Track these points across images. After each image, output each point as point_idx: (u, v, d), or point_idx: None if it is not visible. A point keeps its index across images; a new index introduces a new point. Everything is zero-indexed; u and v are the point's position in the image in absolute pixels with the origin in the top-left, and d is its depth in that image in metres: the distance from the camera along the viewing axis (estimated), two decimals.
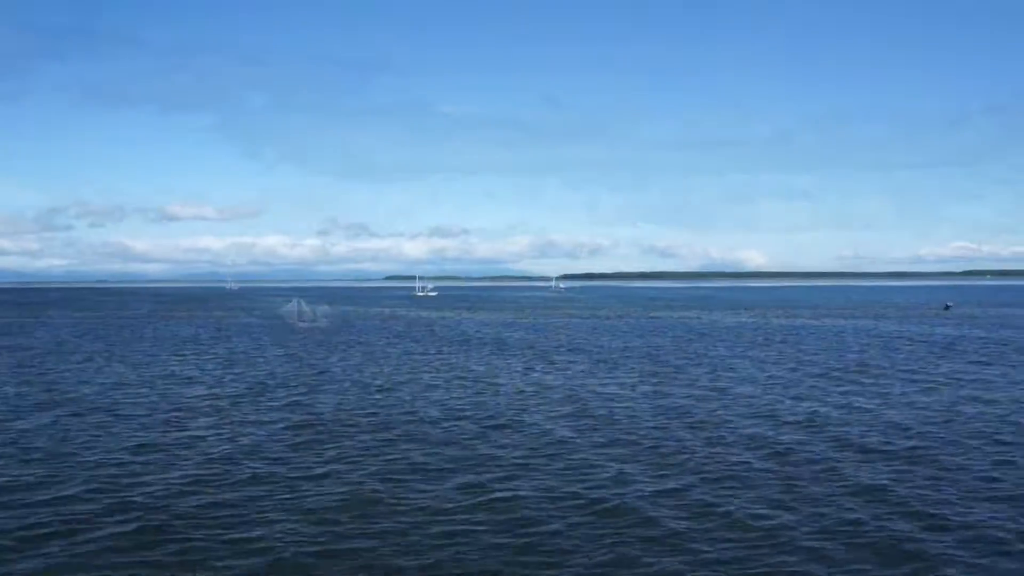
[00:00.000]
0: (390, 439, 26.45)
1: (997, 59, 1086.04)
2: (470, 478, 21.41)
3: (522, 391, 37.56)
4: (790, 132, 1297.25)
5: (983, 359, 51.19)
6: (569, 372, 45.26)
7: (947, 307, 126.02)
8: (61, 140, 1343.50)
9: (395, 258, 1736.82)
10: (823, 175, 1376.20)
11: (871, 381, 40.56)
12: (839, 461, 23.17)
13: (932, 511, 18.46)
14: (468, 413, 31.45)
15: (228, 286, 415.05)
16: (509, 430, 28.05)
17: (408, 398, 35.31)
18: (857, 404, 33.16)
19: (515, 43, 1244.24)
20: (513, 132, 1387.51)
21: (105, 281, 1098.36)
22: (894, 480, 21.12)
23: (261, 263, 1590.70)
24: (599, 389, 38.09)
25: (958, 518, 17.97)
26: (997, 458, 23.58)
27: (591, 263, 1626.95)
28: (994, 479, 21.30)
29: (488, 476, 21.64)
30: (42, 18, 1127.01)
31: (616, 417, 30.50)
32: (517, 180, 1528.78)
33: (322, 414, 31.22)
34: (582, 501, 19.36)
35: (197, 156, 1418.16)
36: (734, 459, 23.53)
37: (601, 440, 26.29)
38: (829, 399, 34.60)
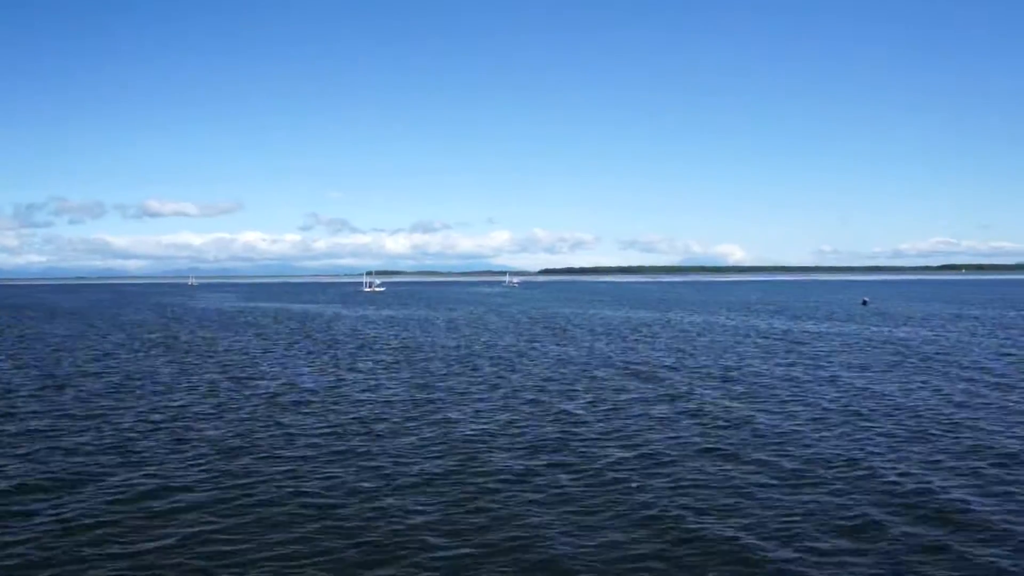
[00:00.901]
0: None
1: (981, 52, 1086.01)
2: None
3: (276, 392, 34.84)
4: (772, 123, 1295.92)
5: (820, 356, 47.82)
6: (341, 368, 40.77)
7: (864, 303, 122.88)
8: (37, 134, 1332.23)
9: (376, 253, 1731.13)
10: (804, 168, 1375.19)
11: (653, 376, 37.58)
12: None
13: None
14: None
15: (189, 282, 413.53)
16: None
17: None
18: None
19: (489, 36, 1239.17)
20: (494, 126, 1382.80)
21: (84, 277, 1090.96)
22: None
23: (242, 259, 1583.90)
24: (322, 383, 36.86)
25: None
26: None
27: (572, 258, 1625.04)
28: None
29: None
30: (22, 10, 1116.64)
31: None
32: (499, 176, 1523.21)
33: None
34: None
35: (177, 152, 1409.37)
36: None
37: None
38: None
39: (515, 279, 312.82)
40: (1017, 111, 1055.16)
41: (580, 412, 29.59)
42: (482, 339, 62.46)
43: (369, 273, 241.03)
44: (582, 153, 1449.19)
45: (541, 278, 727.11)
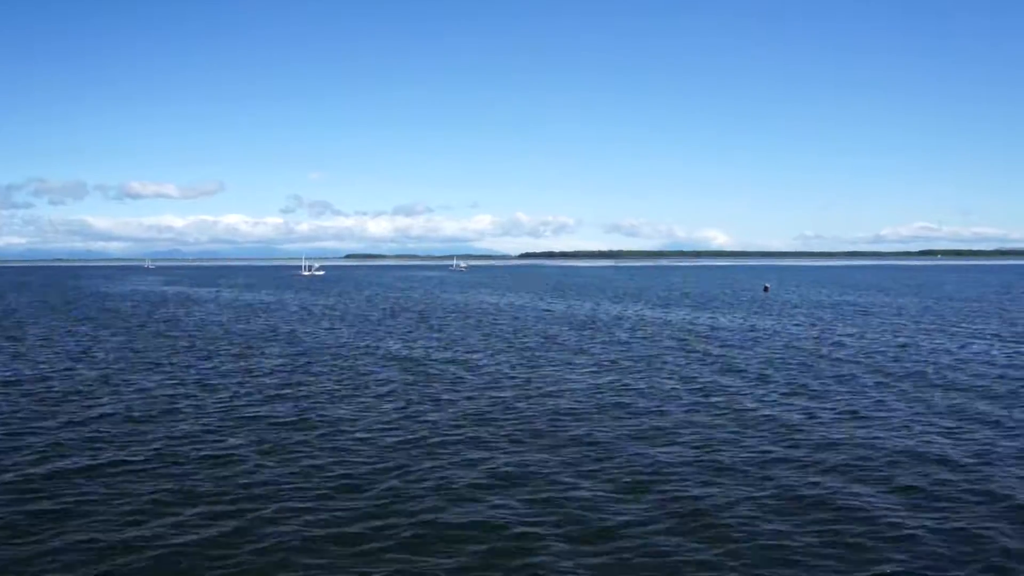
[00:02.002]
0: None
1: (963, 40, 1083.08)
2: None
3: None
4: (757, 108, 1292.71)
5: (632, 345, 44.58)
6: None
7: (766, 289, 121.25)
8: (16, 115, 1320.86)
9: (359, 236, 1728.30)
10: (788, 154, 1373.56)
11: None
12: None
13: None
14: None
15: (146, 265, 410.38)
16: None
17: None
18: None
19: (473, 20, 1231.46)
20: (477, 110, 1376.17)
21: (61, 259, 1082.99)
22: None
23: (224, 241, 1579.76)
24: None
25: None
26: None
27: (554, 241, 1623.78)
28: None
29: None
30: None
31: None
32: (483, 159, 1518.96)
33: None
34: None
35: (158, 132, 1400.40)
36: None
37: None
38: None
39: (463, 263, 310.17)
40: (999, 98, 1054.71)
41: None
42: (322, 326, 59.20)
43: (307, 258, 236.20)
44: (566, 137, 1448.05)
45: (518, 262, 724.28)
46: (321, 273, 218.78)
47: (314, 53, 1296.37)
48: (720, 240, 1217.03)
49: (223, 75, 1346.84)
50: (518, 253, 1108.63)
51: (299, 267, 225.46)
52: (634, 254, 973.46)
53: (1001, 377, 33.11)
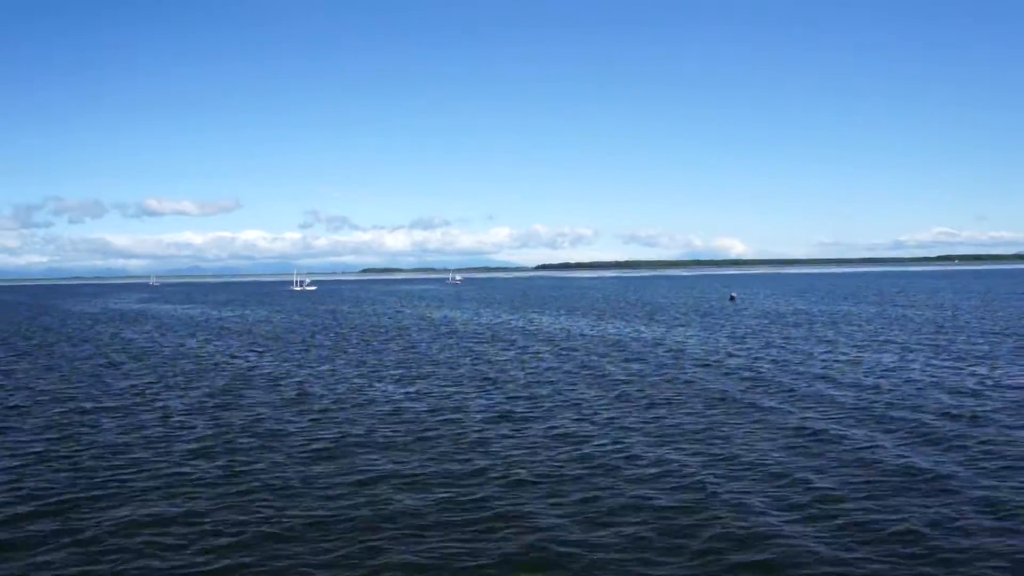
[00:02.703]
0: None
1: (981, 45, 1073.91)
2: None
3: None
4: (773, 116, 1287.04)
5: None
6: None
7: (732, 298, 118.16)
8: (34, 134, 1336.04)
9: (377, 251, 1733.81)
10: (805, 161, 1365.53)
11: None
12: None
13: None
14: None
15: (150, 282, 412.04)
16: None
17: None
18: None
19: (489, 33, 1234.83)
20: (494, 123, 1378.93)
21: (80, 277, 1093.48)
22: None
23: (243, 257, 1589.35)
24: None
25: None
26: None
27: (572, 253, 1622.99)
28: None
29: None
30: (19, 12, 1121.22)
31: None
32: (499, 171, 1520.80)
33: None
34: None
35: (175, 150, 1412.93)
36: None
37: None
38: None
39: (458, 276, 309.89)
40: (1017, 103, 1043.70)
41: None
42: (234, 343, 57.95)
43: (298, 273, 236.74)
44: (583, 149, 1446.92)
45: (532, 274, 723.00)
46: (312, 288, 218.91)
47: (330, 68, 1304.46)
48: (738, 249, 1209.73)
49: (238, 91, 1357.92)
50: (534, 265, 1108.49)
51: (298, 282, 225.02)
52: (650, 264, 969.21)
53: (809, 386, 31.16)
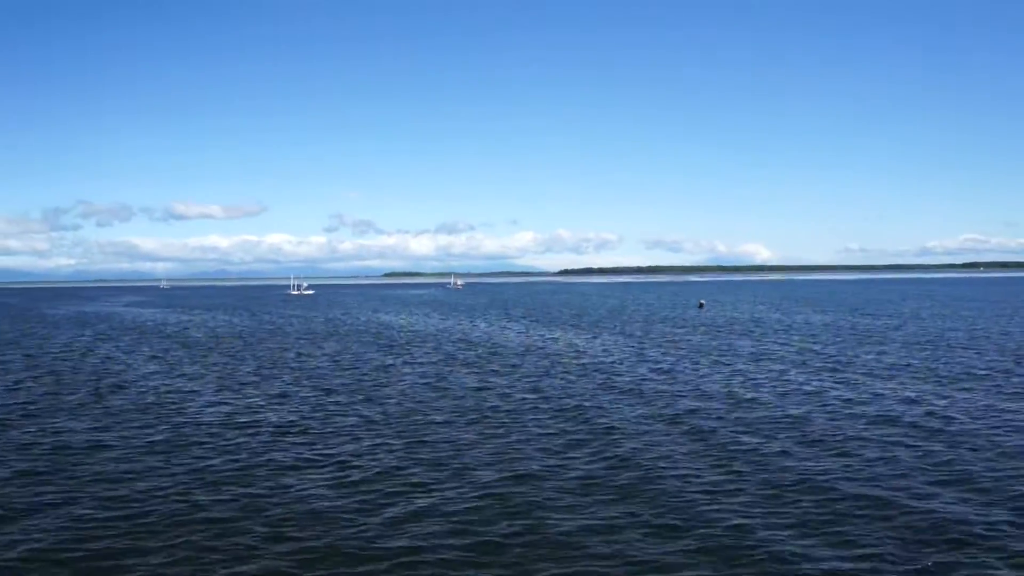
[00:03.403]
0: None
1: (1009, 50, 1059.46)
2: None
3: None
4: (799, 121, 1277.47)
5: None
6: None
7: (700, 305, 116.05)
8: (62, 139, 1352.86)
9: (401, 255, 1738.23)
10: (832, 166, 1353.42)
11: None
12: None
13: None
14: None
15: (161, 285, 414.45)
16: None
17: None
18: None
19: (512, 36, 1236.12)
20: (518, 127, 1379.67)
21: (107, 280, 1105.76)
22: None
23: (268, 260, 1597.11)
24: None
25: None
26: None
27: (596, 258, 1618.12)
28: None
29: None
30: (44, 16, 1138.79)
31: None
32: (524, 176, 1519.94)
33: None
34: None
35: (201, 154, 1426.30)
36: None
37: None
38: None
39: (459, 282, 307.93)
40: None
41: None
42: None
43: (296, 278, 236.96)
44: (607, 153, 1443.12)
45: (553, 279, 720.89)
46: (310, 293, 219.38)
47: (356, 72, 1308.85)
48: (763, 255, 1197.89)
49: (264, 95, 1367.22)
50: (557, 270, 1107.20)
51: (296, 286, 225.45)
52: (673, 269, 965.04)
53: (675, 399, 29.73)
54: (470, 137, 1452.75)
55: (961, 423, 26.02)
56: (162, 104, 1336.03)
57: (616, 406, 29.91)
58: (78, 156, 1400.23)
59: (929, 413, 27.68)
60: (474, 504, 17.75)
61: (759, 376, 37.85)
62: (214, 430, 26.60)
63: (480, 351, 52.60)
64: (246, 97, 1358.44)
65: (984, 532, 15.51)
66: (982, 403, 29.70)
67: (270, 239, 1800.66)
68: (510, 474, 20.22)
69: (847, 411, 28.17)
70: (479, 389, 34.83)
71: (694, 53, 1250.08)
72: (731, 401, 30.75)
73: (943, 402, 29.83)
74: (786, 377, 37.46)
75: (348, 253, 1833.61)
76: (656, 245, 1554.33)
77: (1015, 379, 35.66)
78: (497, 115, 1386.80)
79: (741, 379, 36.89)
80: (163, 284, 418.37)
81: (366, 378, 39.36)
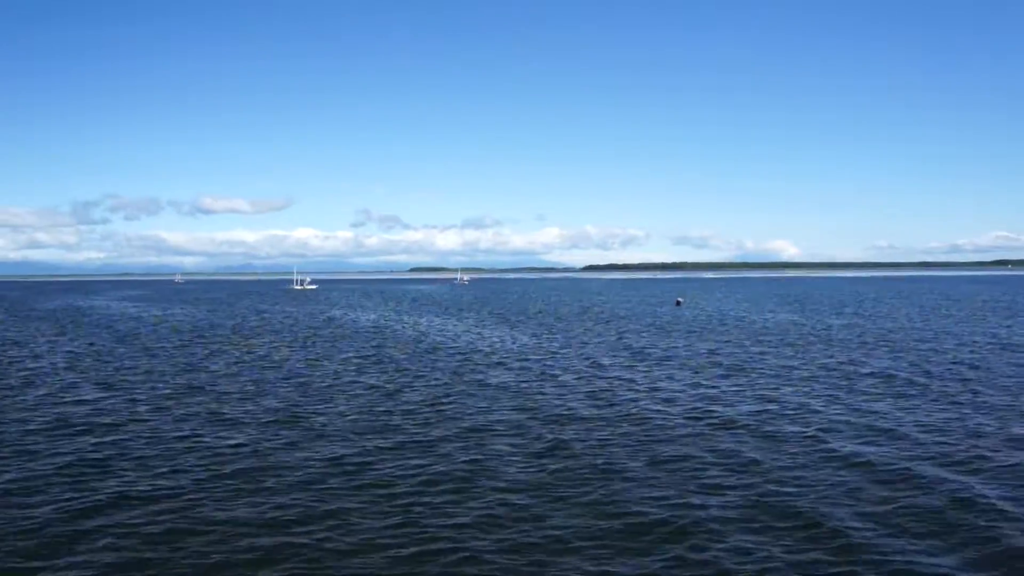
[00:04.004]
0: None
1: None
2: None
3: None
4: (827, 116, 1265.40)
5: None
6: None
7: (678, 303, 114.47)
8: (91, 133, 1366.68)
9: (428, 250, 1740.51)
10: (860, 162, 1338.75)
11: None
12: None
13: None
14: None
15: (175, 279, 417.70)
16: None
17: None
18: None
19: (537, 31, 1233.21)
20: (544, 122, 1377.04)
21: (134, 273, 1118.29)
22: None
23: (295, 255, 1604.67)
24: None
25: None
26: None
27: (622, 254, 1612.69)
28: None
29: None
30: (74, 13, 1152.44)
31: None
32: (550, 172, 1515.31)
33: None
34: None
35: (228, 148, 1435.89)
36: None
37: None
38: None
39: (465, 277, 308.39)
40: None
41: None
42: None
43: (298, 272, 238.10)
44: (633, 149, 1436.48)
45: (582, 275, 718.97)
46: (313, 287, 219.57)
47: (382, 68, 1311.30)
48: (790, 252, 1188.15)
49: (291, 90, 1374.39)
50: (581, 266, 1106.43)
51: (298, 281, 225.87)
52: (698, 266, 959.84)
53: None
54: (497, 132, 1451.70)
55: (752, 418, 25.89)
56: (190, 99, 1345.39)
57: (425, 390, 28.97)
58: (107, 150, 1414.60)
59: (723, 408, 27.75)
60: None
61: (625, 376, 36.82)
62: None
63: (379, 343, 51.70)
64: (274, 92, 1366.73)
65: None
66: (796, 401, 29.87)
67: (297, 234, 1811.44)
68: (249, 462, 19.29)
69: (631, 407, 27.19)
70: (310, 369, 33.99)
71: (723, 48, 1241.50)
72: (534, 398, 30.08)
73: (748, 401, 29.06)
74: (651, 375, 36.58)
75: (374, 248, 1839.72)
76: (683, 241, 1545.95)
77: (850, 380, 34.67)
78: (524, 110, 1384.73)
79: (594, 378, 35.83)
80: (177, 278, 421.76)
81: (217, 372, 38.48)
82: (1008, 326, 66.19)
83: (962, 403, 29.14)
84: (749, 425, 25.50)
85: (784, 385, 33.99)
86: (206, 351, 51.64)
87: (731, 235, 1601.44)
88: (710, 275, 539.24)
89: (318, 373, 39.61)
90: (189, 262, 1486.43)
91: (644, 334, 62.35)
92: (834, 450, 22.02)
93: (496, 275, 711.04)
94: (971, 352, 46.31)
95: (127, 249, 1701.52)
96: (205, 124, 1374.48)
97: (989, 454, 21.42)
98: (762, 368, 39.96)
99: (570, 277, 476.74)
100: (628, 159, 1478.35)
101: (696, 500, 17.56)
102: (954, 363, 41.11)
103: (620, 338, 58.96)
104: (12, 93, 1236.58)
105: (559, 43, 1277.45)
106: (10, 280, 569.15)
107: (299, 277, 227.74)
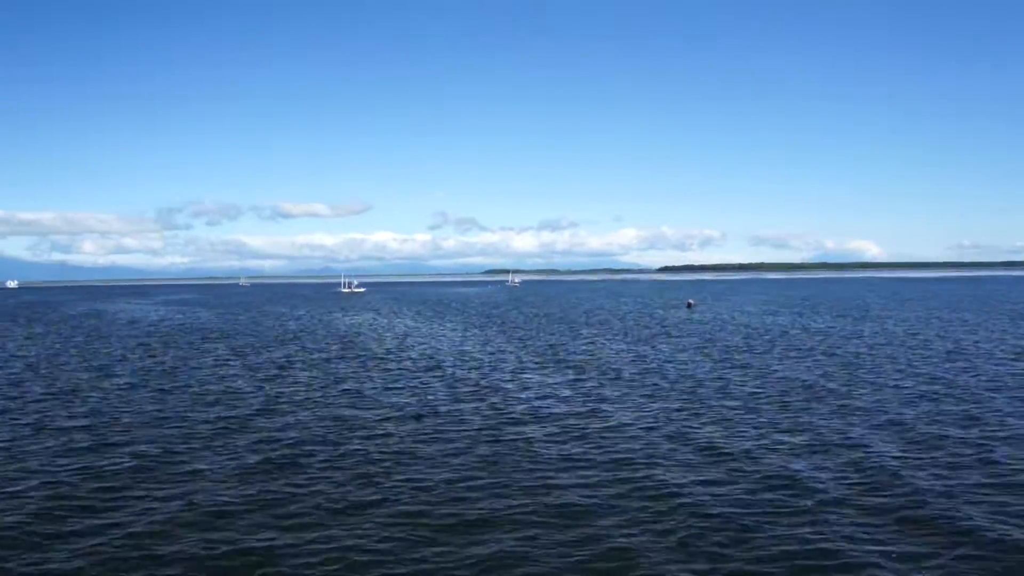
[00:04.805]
0: None
1: None
2: None
3: None
4: (910, 113, 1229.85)
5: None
6: None
7: (689, 305, 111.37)
8: (174, 140, 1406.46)
9: (504, 252, 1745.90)
10: (944, 160, 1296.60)
11: None
12: None
13: None
14: None
15: (240, 282, 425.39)
16: None
17: None
18: None
19: (616, 35, 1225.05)
20: (621, 125, 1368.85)
21: (216, 277, 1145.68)
22: None
23: (373, 258, 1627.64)
24: None
25: None
26: None
27: (700, 255, 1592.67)
28: None
29: None
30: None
31: None
32: (627, 173, 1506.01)
33: None
34: None
35: (307, 154, 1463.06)
36: None
37: None
38: None
39: (517, 279, 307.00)
40: None
41: None
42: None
43: (346, 275, 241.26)
44: (712, 149, 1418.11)
45: (660, 276, 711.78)
46: (361, 291, 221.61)
47: (459, 72, 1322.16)
48: (872, 251, 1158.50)
49: (369, 96, 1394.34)
50: (657, 267, 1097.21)
51: (346, 283, 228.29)
52: (775, 267, 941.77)
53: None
54: (574, 134, 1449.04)
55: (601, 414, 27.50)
56: (271, 106, 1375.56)
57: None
58: (190, 157, 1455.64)
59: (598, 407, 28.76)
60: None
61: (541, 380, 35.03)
62: None
63: (365, 345, 50.68)
64: (353, 98, 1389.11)
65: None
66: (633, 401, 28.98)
67: (375, 237, 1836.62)
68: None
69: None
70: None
71: (808, 48, 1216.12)
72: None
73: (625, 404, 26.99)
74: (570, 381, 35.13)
75: (451, 250, 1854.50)
76: (761, 242, 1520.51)
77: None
78: (601, 112, 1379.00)
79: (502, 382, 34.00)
80: (242, 281, 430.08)
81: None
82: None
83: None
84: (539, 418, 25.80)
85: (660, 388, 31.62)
86: (118, 354, 52.10)
87: (811, 235, 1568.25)
88: (774, 276, 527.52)
89: (180, 380, 38.68)
90: (269, 265, 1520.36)
91: (604, 339, 60.01)
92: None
93: (564, 277, 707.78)
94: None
95: (210, 253, 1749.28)
96: (285, 130, 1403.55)
97: None
98: (654, 373, 37.48)
99: (641, 279, 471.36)
100: (706, 159, 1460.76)
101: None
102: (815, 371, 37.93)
103: (559, 342, 57.47)
104: (99, 101, 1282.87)
105: (637, 46, 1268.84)
106: (96, 285, 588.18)
107: (346, 280, 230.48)
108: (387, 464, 21.26)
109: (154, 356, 51.26)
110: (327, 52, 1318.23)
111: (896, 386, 33.38)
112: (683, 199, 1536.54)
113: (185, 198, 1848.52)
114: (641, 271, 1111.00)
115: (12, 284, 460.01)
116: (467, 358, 47.47)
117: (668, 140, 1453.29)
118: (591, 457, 21.67)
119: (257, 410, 29.89)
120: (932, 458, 21.15)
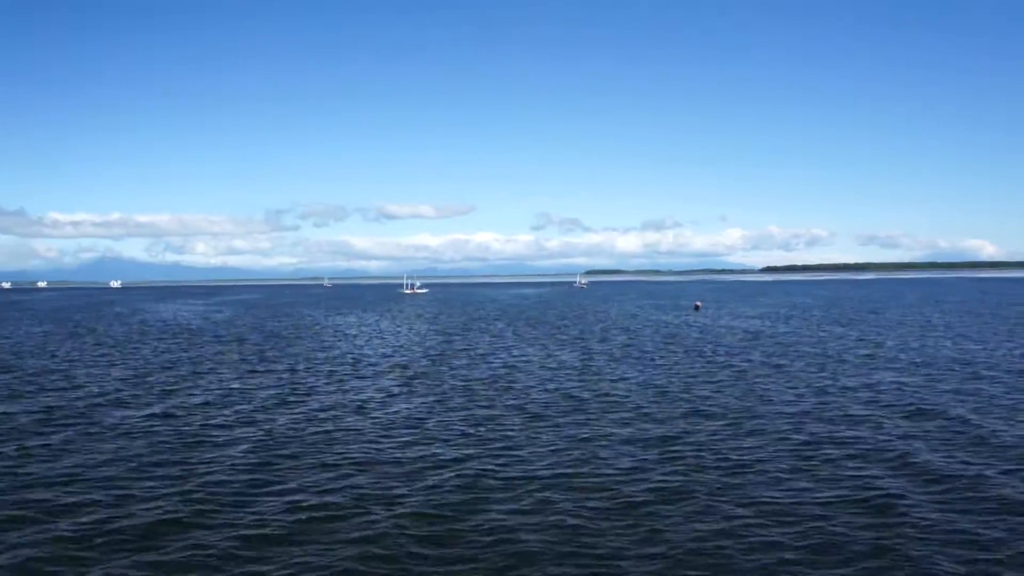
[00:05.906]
0: None
1: None
2: None
3: None
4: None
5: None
6: None
7: (697, 307, 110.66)
8: (280, 145, 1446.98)
9: (607, 252, 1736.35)
10: None
11: None
12: None
13: None
14: None
15: (324, 283, 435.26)
16: None
17: None
18: None
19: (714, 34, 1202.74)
20: (725, 124, 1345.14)
21: (320, 276, 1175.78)
22: None
23: (476, 259, 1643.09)
24: None
25: None
26: None
27: (806, 254, 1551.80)
28: None
29: None
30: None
31: None
32: (732, 172, 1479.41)
33: None
34: None
35: (412, 156, 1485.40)
36: None
37: None
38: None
39: (584, 281, 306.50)
40: None
41: None
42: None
43: (408, 276, 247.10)
44: (821, 146, 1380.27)
45: (761, 277, 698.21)
46: (424, 291, 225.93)
47: (562, 75, 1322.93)
48: (988, 251, 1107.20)
49: (475, 101, 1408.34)
50: (760, 267, 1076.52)
51: (408, 285, 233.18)
52: (883, 267, 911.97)
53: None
54: (678, 133, 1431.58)
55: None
56: (378, 111, 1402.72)
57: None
58: (297, 159, 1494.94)
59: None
60: None
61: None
62: None
63: (352, 346, 53.21)
64: (458, 102, 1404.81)
65: None
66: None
67: (478, 238, 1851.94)
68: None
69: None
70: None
71: (916, 44, 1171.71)
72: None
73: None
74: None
75: (554, 251, 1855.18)
76: (870, 241, 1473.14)
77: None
78: (705, 111, 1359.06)
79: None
80: (326, 282, 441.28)
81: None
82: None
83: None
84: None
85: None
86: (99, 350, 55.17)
87: (923, 234, 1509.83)
88: (869, 276, 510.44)
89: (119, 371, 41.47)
90: (375, 266, 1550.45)
91: (594, 340, 60.99)
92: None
93: (666, 278, 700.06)
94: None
95: (317, 254, 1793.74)
96: (387, 132, 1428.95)
97: None
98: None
99: (743, 280, 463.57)
100: (814, 156, 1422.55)
101: None
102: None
103: (530, 346, 58.43)
104: (213, 106, 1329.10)
105: (742, 44, 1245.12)
106: (209, 284, 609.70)
107: (408, 281, 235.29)
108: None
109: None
110: (439, 54, 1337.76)
111: (710, 397, 33.72)
112: (790, 198, 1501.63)
113: (292, 200, 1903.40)
114: (744, 271, 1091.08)
115: (116, 284, 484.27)
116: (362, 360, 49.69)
117: (775, 138, 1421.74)
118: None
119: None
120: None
